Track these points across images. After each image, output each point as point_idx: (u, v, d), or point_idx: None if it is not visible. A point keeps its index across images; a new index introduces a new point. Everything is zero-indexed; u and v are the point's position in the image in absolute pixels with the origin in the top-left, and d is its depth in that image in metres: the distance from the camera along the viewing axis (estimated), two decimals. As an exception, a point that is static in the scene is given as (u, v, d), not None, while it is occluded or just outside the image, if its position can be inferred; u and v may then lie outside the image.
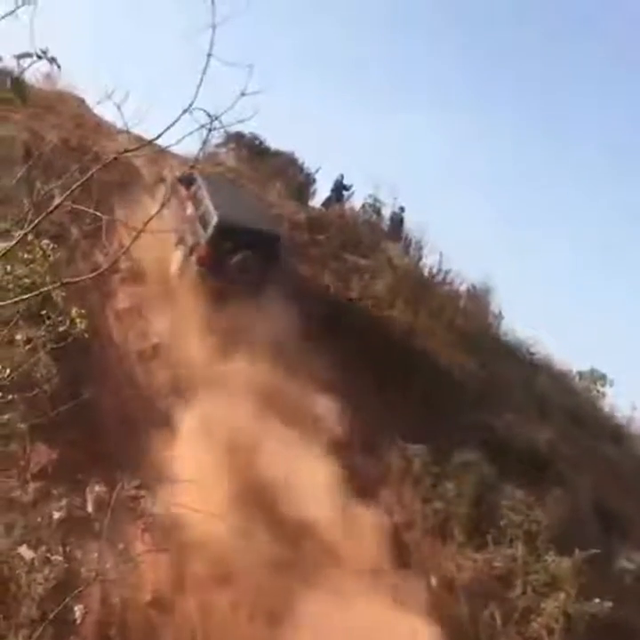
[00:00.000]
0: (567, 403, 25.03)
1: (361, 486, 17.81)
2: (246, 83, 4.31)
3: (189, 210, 19.37)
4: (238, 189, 21.62)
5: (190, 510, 13.36)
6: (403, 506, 18.41)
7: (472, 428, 20.07)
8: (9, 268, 11.60)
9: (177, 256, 19.39)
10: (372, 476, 18.63)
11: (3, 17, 4.22)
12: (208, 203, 19.07)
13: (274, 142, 27.63)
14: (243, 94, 4.32)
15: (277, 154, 27.58)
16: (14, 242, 5.10)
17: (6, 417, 9.58)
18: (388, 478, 18.80)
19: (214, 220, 18.73)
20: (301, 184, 26.91)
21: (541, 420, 22.24)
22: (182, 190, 19.92)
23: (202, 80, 4.50)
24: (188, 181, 20.02)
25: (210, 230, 18.74)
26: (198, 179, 20.01)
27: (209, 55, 4.32)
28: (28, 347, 9.11)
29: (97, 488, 14.75)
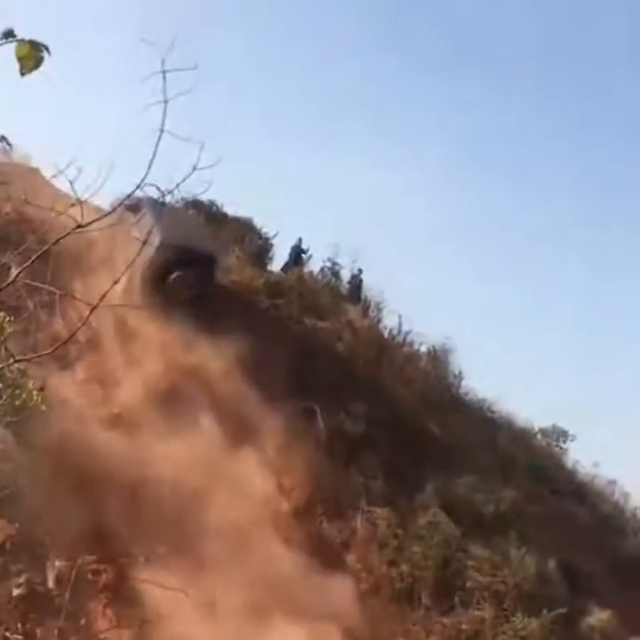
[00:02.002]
0: (529, 460, 25.09)
1: (327, 552, 17.69)
2: (198, 157, 4.35)
3: (136, 233, 19.92)
4: (182, 213, 22.34)
5: (153, 584, 13.16)
6: (369, 571, 18.26)
7: (435, 489, 20.05)
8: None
9: (123, 279, 19.69)
10: (338, 541, 18.52)
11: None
12: (152, 225, 20.24)
13: (231, 208, 27.82)
14: (194, 169, 4.36)
15: (235, 219, 27.72)
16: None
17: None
18: (353, 543, 18.68)
19: (157, 240, 20.14)
20: (260, 249, 27.03)
21: (504, 478, 22.26)
22: (130, 216, 20.97)
23: (154, 154, 4.53)
24: (135, 208, 21.16)
25: (153, 250, 20.10)
26: (145, 204, 21.18)
27: (161, 130, 4.36)
28: (-16, 421, 8.98)
29: (57, 563, 14.47)
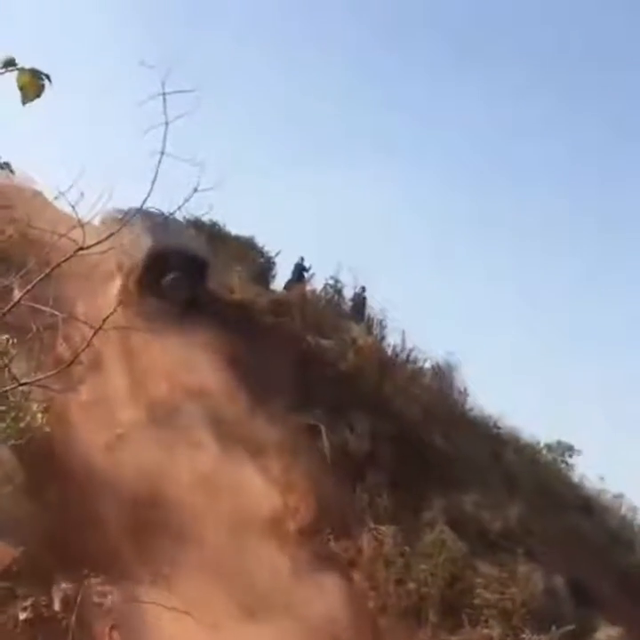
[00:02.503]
0: (535, 476, 25.03)
1: (334, 570, 17.62)
2: (199, 179, 4.38)
3: (126, 242, 20.33)
4: (172, 220, 22.56)
5: (159, 606, 13.09)
6: (376, 589, 18.19)
7: (441, 506, 19.98)
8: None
9: (116, 282, 20.83)
10: (344, 559, 18.45)
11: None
12: (142, 230, 20.53)
13: (233, 227, 27.90)
14: (195, 190, 4.38)
15: (237, 238, 27.79)
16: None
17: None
18: (359, 561, 18.61)
19: (148, 243, 20.64)
20: (262, 268, 27.08)
21: (510, 494, 22.18)
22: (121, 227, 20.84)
23: (156, 176, 4.54)
24: (125, 219, 21.10)
25: (144, 254, 20.68)
26: (135, 213, 20.95)
27: (162, 152, 4.37)
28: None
29: (63, 585, 14.41)
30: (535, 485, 24.19)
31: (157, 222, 20.27)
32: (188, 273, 21.09)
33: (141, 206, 4.54)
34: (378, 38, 61.97)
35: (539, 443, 28.31)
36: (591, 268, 58.67)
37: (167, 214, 18.40)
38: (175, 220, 23.92)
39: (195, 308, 21.10)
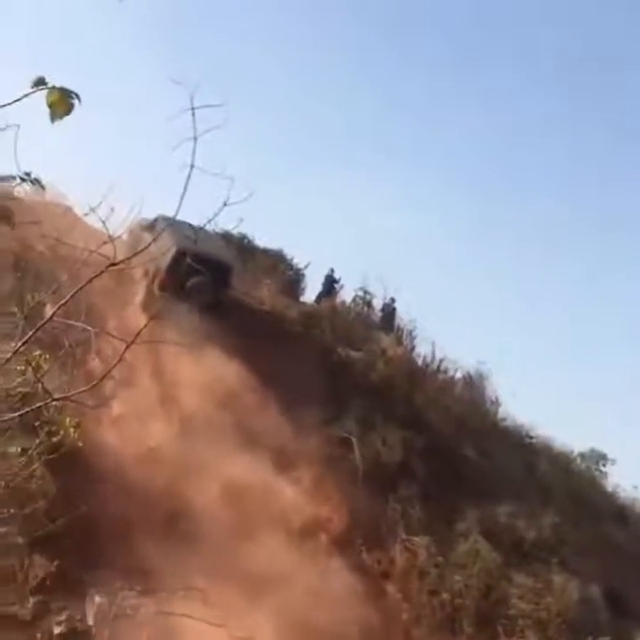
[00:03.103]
0: (569, 485, 24.84)
1: (367, 582, 17.57)
2: (228, 193, 4.38)
3: (153, 248, 20.34)
4: (197, 228, 22.73)
5: (193, 619, 13.10)
6: (410, 600, 18.11)
7: (474, 516, 19.87)
8: (1, 380, 11.59)
9: (141, 287, 21.22)
10: (378, 571, 18.39)
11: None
12: (167, 236, 20.39)
13: (262, 240, 28.00)
14: (225, 204, 4.39)
15: (266, 251, 27.86)
16: (9, 355, 5.11)
17: (4, 530, 9.46)
18: (393, 573, 18.54)
19: (173, 248, 20.48)
20: (291, 280, 27.13)
21: (544, 504, 22.02)
22: (146, 236, 21.10)
23: (185, 190, 4.57)
24: (149, 228, 21.79)
25: (169, 258, 20.69)
26: (159, 221, 21.84)
27: (191, 166, 4.40)
28: (22, 459, 9.05)
29: (97, 599, 14.47)
30: (569, 495, 24.01)
31: (183, 229, 20.46)
32: (213, 277, 21.11)
33: (174, 216, 4.54)
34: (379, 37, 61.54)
35: (572, 452, 28.12)
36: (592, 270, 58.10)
37: (197, 228, 18.55)
38: (201, 229, 24.14)
39: (219, 312, 21.23)
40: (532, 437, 26.40)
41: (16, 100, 3.69)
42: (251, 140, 58.19)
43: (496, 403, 26.17)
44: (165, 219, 22.13)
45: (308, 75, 61.86)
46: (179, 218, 4.73)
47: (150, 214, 22.61)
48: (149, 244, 7.62)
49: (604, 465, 28.64)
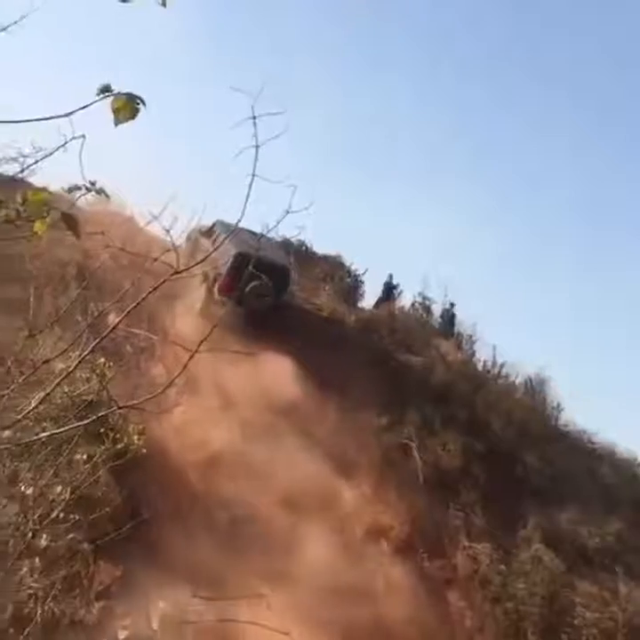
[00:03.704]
0: (633, 491, 24.44)
1: (429, 590, 17.48)
2: (290, 201, 4.41)
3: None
4: (252, 231, 22.93)
5: (257, 625, 13.11)
6: (472, 608, 17.97)
7: (537, 523, 19.67)
8: (67, 388, 11.75)
9: (200, 292, 21.40)
10: (440, 578, 18.28)
11: (54, 151, 4.37)
12: (226, 241, 20.62)
13: (320, 246, 28.12)
14: (288, 212, 4.41)
15: (324, 258, 27.96)
16: (75, 364, 5.17)
17: (69, 537, 9.59)
18: (455, 580, 18.42)
19: (233, 251, 20.89)
20: (350, 286, 27.17)
21: (607, 510, 21.71)
22: (204, 241, 22.31)
23: (247, 198, 4.59)
24: (207, 233, 22.75)
25: (229, 261, 21.04)
26: (217, 227, 22.69)
27: (253, 175, 4.42)
28: (86, 466, 9.17)
29: (161, 604, 14.57)
30: (633, 501, 23.62)
31: (241, 233, 20.58)
32: (272, 280, 21.19)
33: (237, 223, 4.58)
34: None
35: (636, 457, 27.64)
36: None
37: (258, 233, 18.70)
38: (263, 235, 24.36)
39: (278, 317, 21.51)
40: (594, 443, 26.05)
41: (82, 108, 3.74)
42: (308, 148, 58.37)
43: (557, 408, 25.91)
44: (223, 224, 22.44)
45: (371, 88, 61.79)
46: (246, 229, 4.78)
47: (208, 220, 22.93)
48: (212, 252, 7.67)
49: (669, 471, 28.08)
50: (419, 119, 61.64)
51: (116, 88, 3.68)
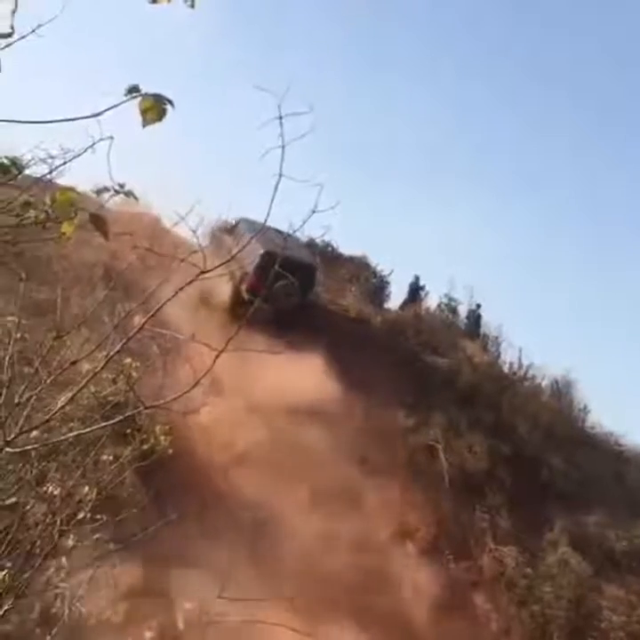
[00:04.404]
0: (661, 495, 24.27)
1: (455, 592, 17.42)
2: (317, 200, 4.39)
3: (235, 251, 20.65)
4: (277, 230, 23.06)
5: (281, 627, 13.10)
6: (499, 611, 17.88)
7: (563, 526, 19.55)
8: (94, 388, 11.79)
9: (227, 289, 21.56)
10: (466, 581, 18.21)
11: (82, 152, 4.38)
12: (252, 240, 20.71)
13: (346, 247, 28.09)
14: (314, 211, 4.40)
15: (350, 259, 27.94)
16: (102, 365, 5.18)
17: (95, 537, 9.61)
18: (481, 583, 18.34)
19: (260, 250, 21.04)
20: (376, 287, 27.14)
21: (635, 513, 21.56)
22: (227, 239, 22.42)
23: (273, 198, 4.58)
24: (230, 231, 22.96)
25: (257, 260, 21.18)
26: (240, 225, 22.94)
27: (280, 174, 4.41)
28: (113, 466, 9.18)
29: (186, 605, 14.60)
30: (661, 504, 23.46)
31: (268, 232, 20.66)
32: (299, 279, 21.29)
33: (265, 222, 4.57)
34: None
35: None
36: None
37: (284, 232, 18.69)
38: (289, 235, 24.44)
39: (304, 317, 21.67)
40: (621, 445, 25.88)
41: (110, 108, 3.74)
42: (336, 149, 58.37)
43: (584, 410, 25.76)
44: (247, 222, 22.51)
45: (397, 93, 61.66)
46: (261, 222, 4.76)
47: (232, 218, 23.04)
48: (239, 251, 7.68)
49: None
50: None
51: (143, 89, 3.68)
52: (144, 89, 3.70)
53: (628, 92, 60.42)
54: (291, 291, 21.59)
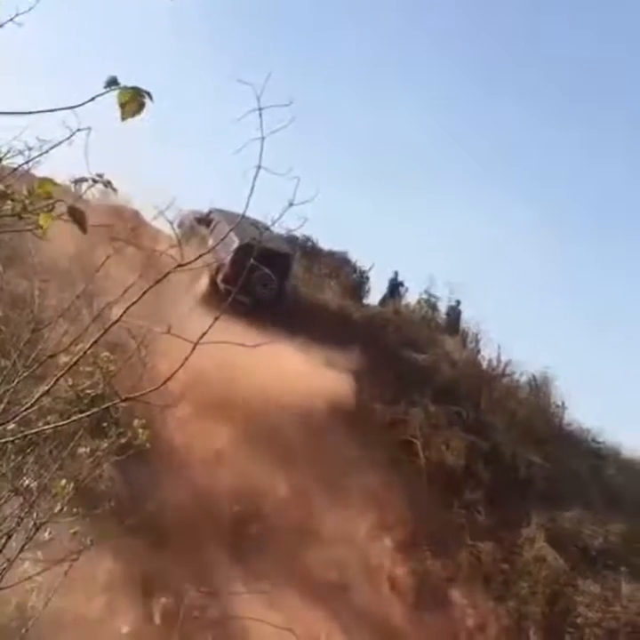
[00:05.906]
0: (637, 491, 24.38)
1: (432, 587, 17.47)
2: (294, 193, 4.38)
3: (210, 242, 21.04)
4: (252, 219, 23.12)
5: (259, 621, 13.12)
6: (475, 606, 17.95)
7: (540, 522, 19.63)
8: (71, 381, 11.74)
9: (203, 281, 21.50)
10: (443, 576, 18.26)
11: (59, 143, 4.35)
12: (227, 230, 20.70)
13: (326, 243, 28.03)
14: (290, 205, 4.39)
15: (330, 254, 27.89)
16: (77, 358, 5.15)
17: (72, 531, 9.55)
18: (458, 578, 18.40)
19: (236, 241, 20.74)
20: (355, 283, 27.12)
21: (611, 510, 21.67)
22: (202, 229, 22.59)
23: (252, 190, 4.57)
24: (206, 222, 23.03)
25: (232, 251, 20.94)
26: (213, 215, 22.97)
27: (258, 167, 4.40)
28: (89, 460, 9.13)
29: (163, 599, 14.59)
30: (637, 501, 23.56)
31: (241, 221, 20.64)
32: (274, 268, 21.31)
33: (243, 213, 4.58)
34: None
35: (640, 456, 27.58)
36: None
37: (259, 222, 18.64)
38: (255, 220, 24.51)
39: (282, 308, 21.78)
40: (598, 442, 26.00)
41: (88, 101, 3.71)
42: (316, 142, 58.16)
43: (562, 407, 25.84)
44: (221, 212, 22.47)
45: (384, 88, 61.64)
46: (235, 212, 4.77)
47: (202, 207, 23.10)
48: (219, 243, 7.66)
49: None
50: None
51: (122, 82, 3.65)
52: (126, 82, 3.68)
53: (627, 92, 60.57)
54: (267, 280, 21.65)
